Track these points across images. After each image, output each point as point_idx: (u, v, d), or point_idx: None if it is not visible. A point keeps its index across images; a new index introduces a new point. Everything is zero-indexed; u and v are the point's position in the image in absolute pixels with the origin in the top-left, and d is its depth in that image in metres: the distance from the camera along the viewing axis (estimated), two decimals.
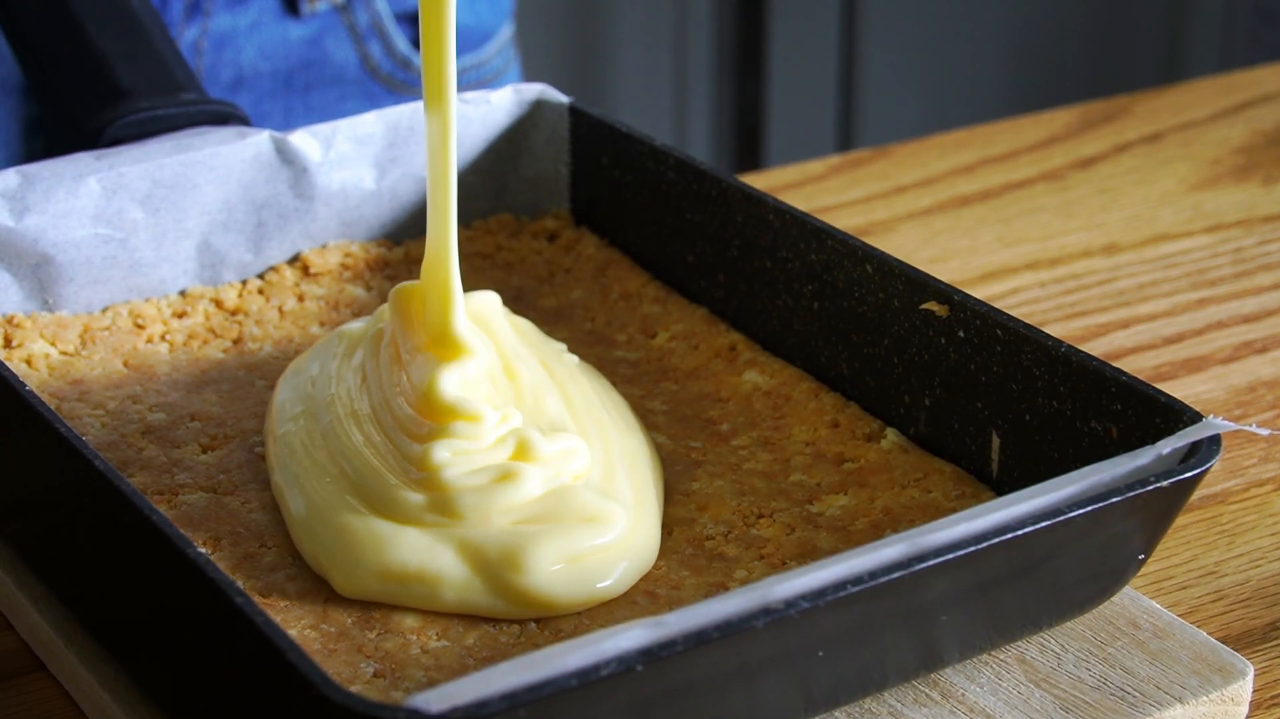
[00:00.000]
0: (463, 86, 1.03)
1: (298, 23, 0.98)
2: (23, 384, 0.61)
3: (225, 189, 0.77)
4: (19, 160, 0.93)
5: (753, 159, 2.03)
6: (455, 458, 0.64)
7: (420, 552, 0.62)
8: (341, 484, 0.64)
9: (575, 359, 0.73)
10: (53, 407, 0.68)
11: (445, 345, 0.67)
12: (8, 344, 0.72)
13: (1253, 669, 0.61)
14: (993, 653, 0.60)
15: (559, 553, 0.62)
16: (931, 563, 0.53)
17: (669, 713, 0.52)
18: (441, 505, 0.63)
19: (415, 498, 0.63)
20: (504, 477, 0.63)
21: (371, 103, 1.00)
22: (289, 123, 0.99)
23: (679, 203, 0.77)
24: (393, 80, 1.01)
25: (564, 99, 0.82)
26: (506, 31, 1.06)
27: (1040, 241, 0.93)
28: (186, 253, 0.77)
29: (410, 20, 1.02)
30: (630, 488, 0.65)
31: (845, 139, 2.05)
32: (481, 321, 0.70)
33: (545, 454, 0.65)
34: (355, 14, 0.99)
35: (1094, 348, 0.83)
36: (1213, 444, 0.58)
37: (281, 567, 0.63)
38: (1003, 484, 0.65)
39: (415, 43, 1.02)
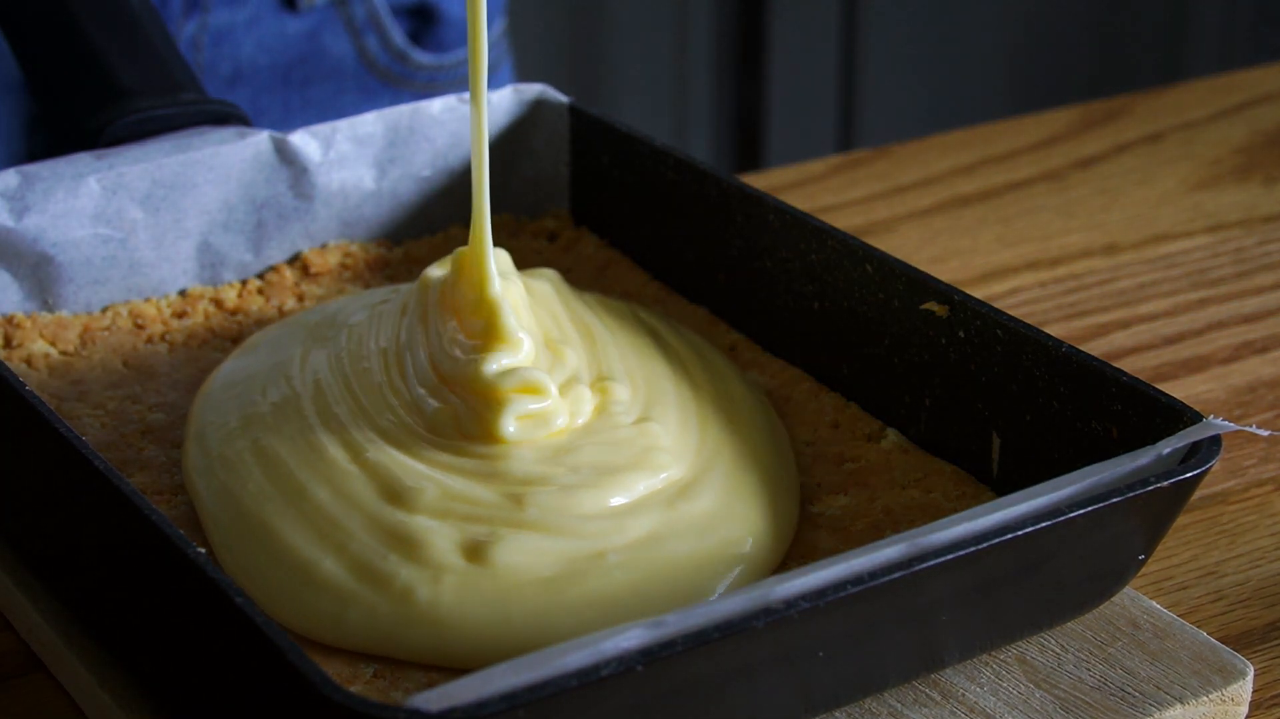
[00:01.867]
0: (458, 81, 1.03)
1: (295, 17, 0.98)
2: (23, 384, 0.61)
3: (225, 189, 0.77)
4: (21, 158, 0.93)
5: (753, 159, 2.03)
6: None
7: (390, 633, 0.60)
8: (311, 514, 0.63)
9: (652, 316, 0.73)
10: (53, 407, 0.68)
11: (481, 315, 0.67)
12: (8, 344, 0.72)
13: (1253, 669, 0.61)
14: (993, 653, 0.60)
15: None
16: (932, 563, 0.53)
17: (669, 713, 0.52)
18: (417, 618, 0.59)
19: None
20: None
21: (368, 97, 1.01)
22: (287, 117, 0.99)
23: (679, 203, 0.77)
24: (389, 74, 1.01)
25: (564, 99, 0.82)
26: (499, 26, 1.07)
27: (1040, 241, 0.93)
28: (186, 253, 0.77)
29: (407, 14, 1.02)
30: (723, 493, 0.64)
31: (845, 139, 2.05)
32: (541, 301, 0.70)
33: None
34: (352, 8, 0.99)
35: (1094, 348, 0.83)
36: (1213, 445, 0.58)
37: None
38: (1003, 484, 0.65)
39: (412, 36, 1.02)
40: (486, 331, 0.66)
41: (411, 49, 1.01)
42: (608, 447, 0.64)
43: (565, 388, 0.66)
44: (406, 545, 0.60)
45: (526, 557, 0.60)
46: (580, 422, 0.66)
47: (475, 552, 0.60)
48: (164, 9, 0.95)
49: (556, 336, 0.70)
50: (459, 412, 0.65)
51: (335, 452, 0.64)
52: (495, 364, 0.65)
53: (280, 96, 0.99)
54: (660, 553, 0.61)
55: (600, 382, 0.68)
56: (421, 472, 0.63)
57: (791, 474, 0.66)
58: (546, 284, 0.73)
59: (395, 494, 0.62)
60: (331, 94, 1.00)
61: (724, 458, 0.66)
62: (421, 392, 0.66)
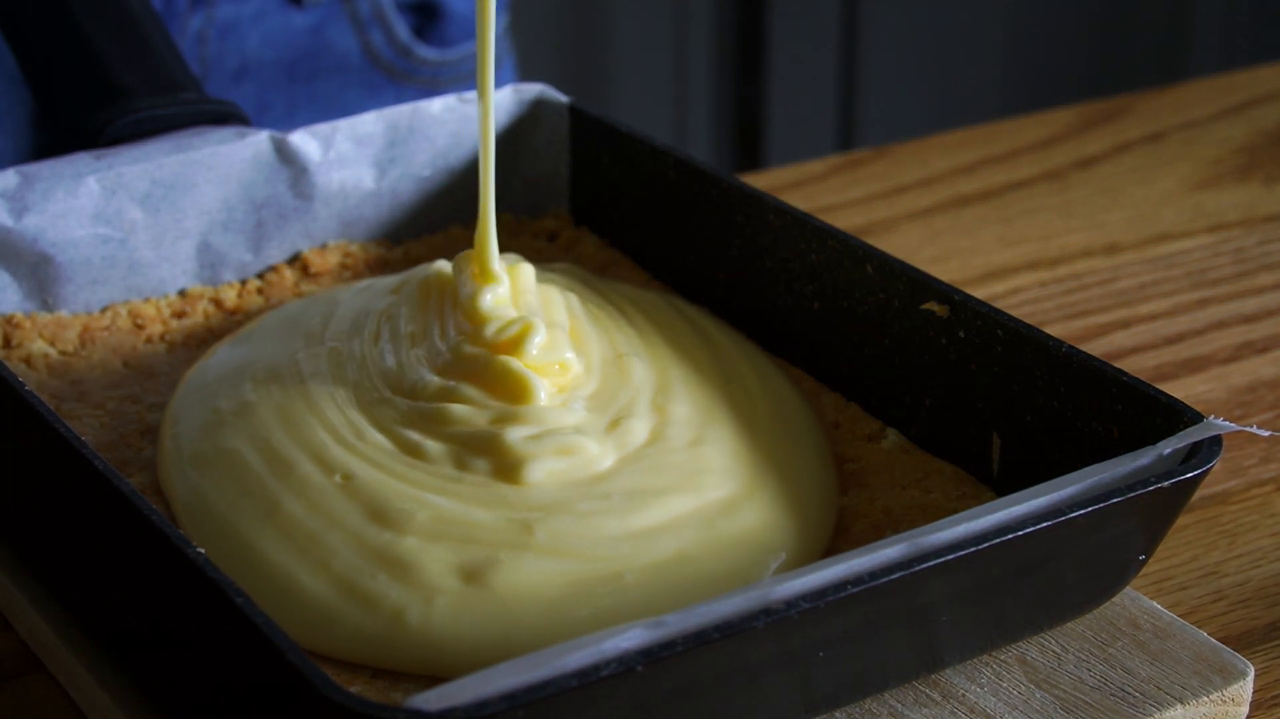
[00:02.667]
0: (461, 76, 1.03)
1: (300, 12, 0.98)
2: (22, 384, 0.61)
3: (224, 189, 0.77)
4: (29, 149, 0.93)
5: (753, 159, 2.03)
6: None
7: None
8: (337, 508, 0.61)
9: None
10: (52, 407, 0.68)
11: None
12: (7, 344, 0.72)
13: (1253, 669, 0.60)
14: (993, 653, 0.60)
15: None
16: (932, 563, 0.53)
17: (669, 713, 0.52)
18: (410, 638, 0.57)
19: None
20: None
21: (372, 92, 1.01)
22: (293, 112, 0.99)
23: (679, 203, 0.77)
24: (394, 69, 1.01)
25: (564, 99, 0.82)
26: (501, 24, 1.07)
27: (1041, 241, 0.93)
28: (186, 253, 0.77)
29: (411, 9, 1.02)
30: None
31: (845, 139, 2.05)
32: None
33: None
34: (357, 3, 0.99)
35: (1094, 348, 0.83)
36: (1214, 445, 0.58)
37: None
38: (1003, 484, 0.65)
39: (416, 31, 1.02)
40: (508, 392, 0.64)
41: (416, 44, 1.02)
42: (654, 472, 0.63)
43: (615, 424, 0.64)
44: (395, 566, 0.59)
45: (530, 578, 0.58)
46: (630, 450, 0.64)
47: (472, 574, 0.58)
48: (170, 4, 0.95)
49: (624, 347, 0.68)
50: (462, 454, 0.63)
51: (307, 467, 0.63)
52: (520, 432, 0.63)
53: (285, 91, 0.99)
54: (685, 572, 0.59)
55: (660, 398, 0.66)
56: (409, 494, 0.61)
57: (832, 485, 0.65)
58: (581, 284, 0.73)
59: (380, 515, 0.61)
60: (336, 89, 1.00)
61: (773, 473, 0.64)
62: (405, 428, 0.64)
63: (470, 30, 1.04)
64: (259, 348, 0.70)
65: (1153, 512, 0.58)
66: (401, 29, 1.01)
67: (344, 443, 0.64)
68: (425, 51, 1.02)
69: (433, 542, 0.59)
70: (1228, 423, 0.58)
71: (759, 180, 1.00)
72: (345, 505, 0.61)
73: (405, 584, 0.58)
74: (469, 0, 1.03)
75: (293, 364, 0.68)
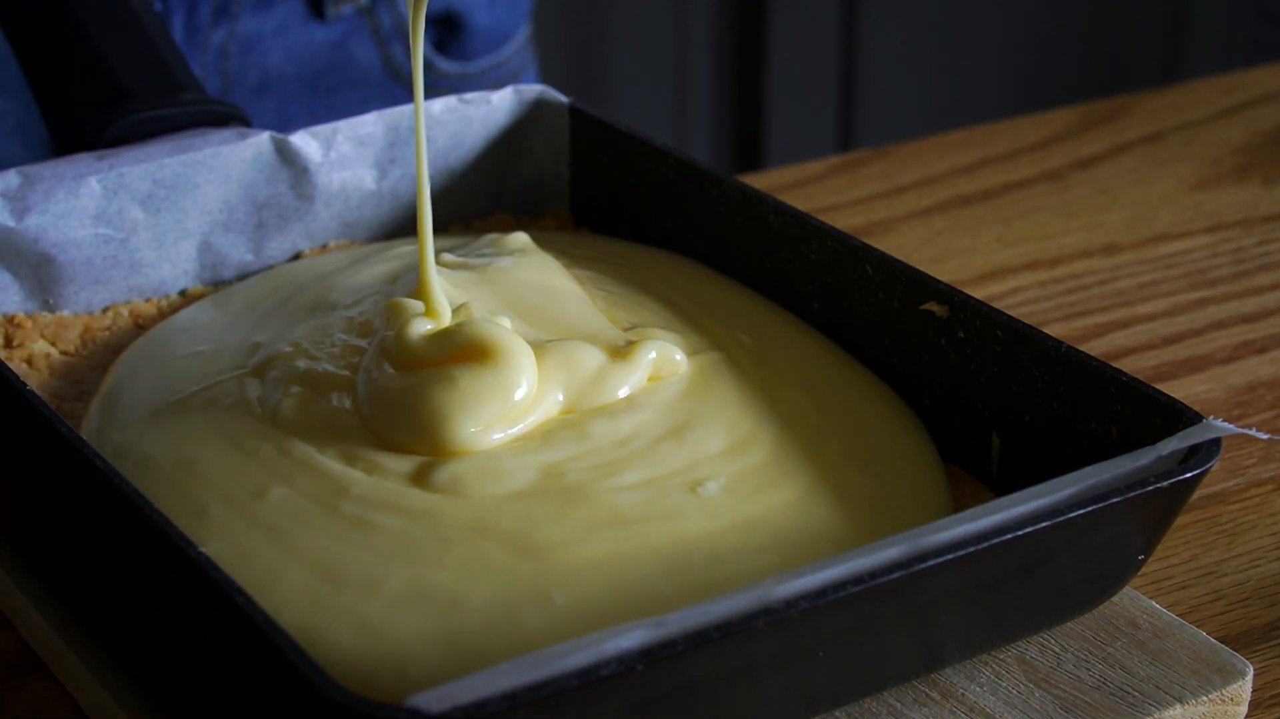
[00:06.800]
0: (484, 87, 1.03)
1: (322, 26, 0.98)
2: (23, 384, 0.61)
3: (226, 189, 0.77)
4: (44, 143, 0.93)
5: (753, 159, 2.03)
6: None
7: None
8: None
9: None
10: (53, 406, 0.68)
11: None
12: (8, 344, 0.72)
13: (1252, 669, 0.61)
14: (992, 653, 0.60)
15: None
16: (931, 563, 0.53)
17: (669, 713, 0.52)
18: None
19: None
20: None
21: (394, 105, 1.01)
22: (314, 125, 0.99)
23: (679, 203, 0.78)
24: None
25: (564, 99, 0.82)
26: (524, 32, 1.07)
27: (1040, 241, 0.93)
28: (187, 253, 0.77)
29: (433, 23, 1.02)
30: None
31: (845, 139, 2.05)
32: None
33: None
34: (379, 16, 0.99)
35: (1094, 348, 0.83)
36: (1213, 446, 0.58)
37: None
38: (1003, 484, 0.65)
39: (438, 45, 1.02)
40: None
41: (437, 58, 1.02)
42: (773, 531, 0.59)
43: (758, 492, 0.61)
44: (360, 629, 0.54)
45: (540, 641, 0.53)
46: (757, 512, 0.60)
47: (457, 642, 0.54)
48: (192, 18, 0.95)
49: (789, 379, 0.66)
50: (452, 531, 0.57)
51: (218, 509, 0.59)
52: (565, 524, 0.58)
53: (307, 105, 0.99)
54: None
55: (820, 451, 0.62)
56: (363, 560, 0.56)
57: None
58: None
59: (332, 576, 0.56)
60: (358, 102, 1.00)
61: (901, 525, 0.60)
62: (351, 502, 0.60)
63: (491, 44, 1.04)
64: (209, 332, 0.69)
65: (1152, 512, 0.58)
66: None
67: (258, 495, 0.60)
68: (446, 65, 1.02)
69: (406, 608, 0.55)
70: (1227, 424, 0.58)
71: (759, 180, 1.00)
72: (282, 561, 0.57)
73: (374, 648, 0.54)
74: (491, 14, 1.03)
75: (234, 377, 0.66)
